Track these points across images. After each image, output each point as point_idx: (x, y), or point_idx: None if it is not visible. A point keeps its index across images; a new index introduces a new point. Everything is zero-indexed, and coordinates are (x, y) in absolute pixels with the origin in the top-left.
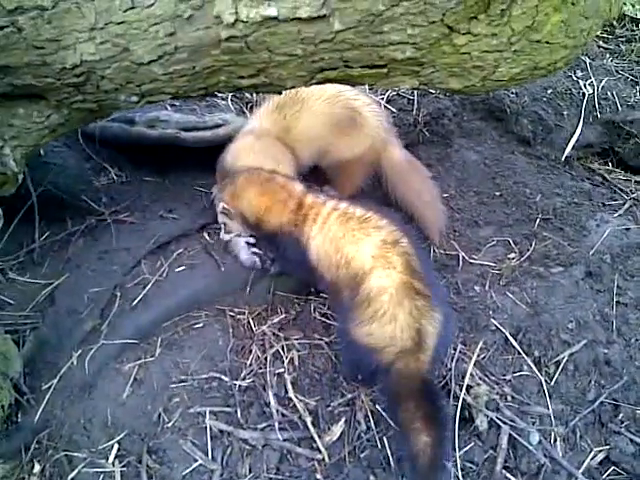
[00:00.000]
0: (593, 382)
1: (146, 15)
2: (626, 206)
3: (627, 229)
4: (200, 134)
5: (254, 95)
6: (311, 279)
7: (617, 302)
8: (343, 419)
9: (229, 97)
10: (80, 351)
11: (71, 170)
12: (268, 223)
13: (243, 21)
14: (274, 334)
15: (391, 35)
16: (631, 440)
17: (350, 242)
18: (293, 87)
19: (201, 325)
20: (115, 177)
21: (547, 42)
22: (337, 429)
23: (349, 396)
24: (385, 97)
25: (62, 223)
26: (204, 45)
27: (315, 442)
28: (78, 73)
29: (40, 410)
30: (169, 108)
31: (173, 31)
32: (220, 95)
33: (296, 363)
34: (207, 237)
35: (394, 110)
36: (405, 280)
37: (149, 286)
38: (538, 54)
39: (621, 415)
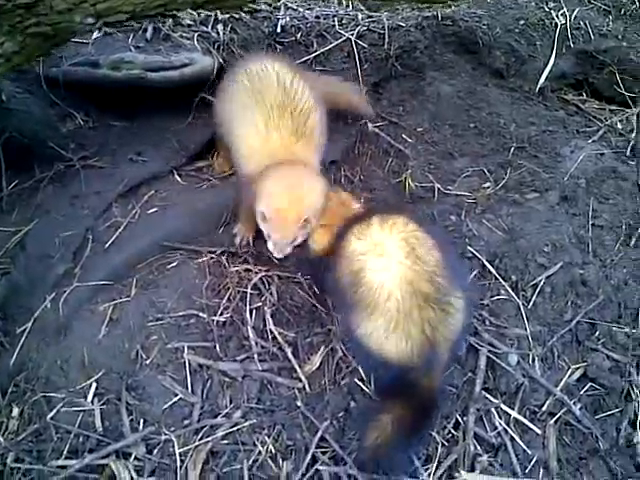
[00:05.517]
0: (570, 303)
1: None
2: (600, 132)
3: (601, 154)
4: (167, 74)
5: (221, 34)
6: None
7: (592, 225)
8: (322, 348)
9: (195, 37)
10: (54, 294)
11: (36, 116)
12: None
13: None
14: (250, 271)
15: None
16: (607, 356)
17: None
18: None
19: (176, 265)
20: (82, 122)
21: None
22: (317, 358)
23: (328, 327)
24: (355, 33)
25: (30, 171)
26: None
27: (295, 372)
28: None
29: (15, 353)
30: (133, 50)
31: None
32: (185, 35)
33: (274, 298)
34: (178, 179)
35: (365, 45)
36: (410, 278)
37: (121, 228)
38: None
39: (597, 333)
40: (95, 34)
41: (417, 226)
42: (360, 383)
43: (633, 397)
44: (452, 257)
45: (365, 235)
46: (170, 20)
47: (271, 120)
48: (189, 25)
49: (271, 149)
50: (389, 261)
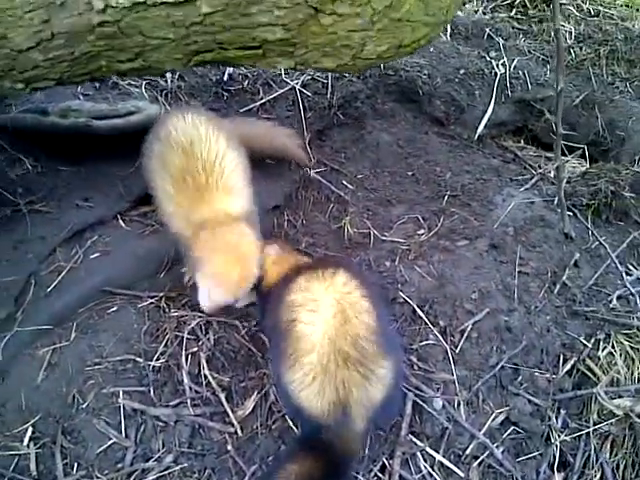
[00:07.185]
0: (495, 348)
1: (20, 3)
2: (533, 181)
3: (532, 202)
4: (112, 122)
5: (169, 82)
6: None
7: (519, 272)
8: (256, 393)
9: (143, 84)
10: None
11: None
12: None
13: (112, 6)
14: (189, 317)
15: (259, 17)
16: (529, 401)
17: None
18: (173, 69)
19: (116, 309)
20: (30, 167)
21: (408, 20)
22: (250, 403)
23: (263, 370)
24: (300, 82)
25: None
26: (79, 31)
27: (227, 416)
28: None
29: None
30: (81, 98)
31: (48, 18)
32: (133, 83)
33: (211, 343)
34: (122, 224)
35: (309, 94)
36: (333, 337)
37: (64, 273)
38: (401, 32)
39: (520, 378)
40: None
41: (357, 286)
42: (292, 426)
43: (552, 440)
44: (388, 326)
45: (307, 288)
46: None
47: (177, 184)
48: None
49: (186, 212)
50: (318, 317)
